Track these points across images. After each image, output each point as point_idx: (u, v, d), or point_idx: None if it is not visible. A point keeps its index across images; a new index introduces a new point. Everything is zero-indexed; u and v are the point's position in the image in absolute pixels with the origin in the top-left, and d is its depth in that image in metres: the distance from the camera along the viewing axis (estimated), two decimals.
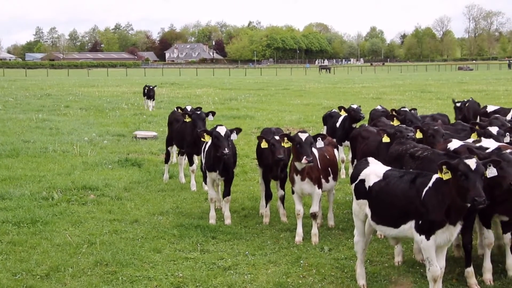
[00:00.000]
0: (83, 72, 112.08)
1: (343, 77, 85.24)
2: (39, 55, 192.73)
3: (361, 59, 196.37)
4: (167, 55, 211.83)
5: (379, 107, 17.31)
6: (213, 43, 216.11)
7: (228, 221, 11.69)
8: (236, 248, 10.18)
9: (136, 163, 17.57)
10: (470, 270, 8.43)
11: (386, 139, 10.52)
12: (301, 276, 8.84)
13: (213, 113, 14.58)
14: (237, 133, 11.72)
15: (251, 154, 17.57)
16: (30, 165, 17.02)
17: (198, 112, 14.02)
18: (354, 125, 14.87)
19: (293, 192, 10.75)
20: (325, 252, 9.98)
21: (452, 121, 16.10)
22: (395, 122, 12.71)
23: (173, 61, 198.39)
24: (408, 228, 7.54)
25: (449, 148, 9.64)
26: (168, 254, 9.80)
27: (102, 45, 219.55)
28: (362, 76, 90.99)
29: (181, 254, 9.83)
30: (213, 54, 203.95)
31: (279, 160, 10.93)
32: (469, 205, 7.00)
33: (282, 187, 11.94)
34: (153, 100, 33.67)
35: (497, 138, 10.02)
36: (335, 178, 11.27)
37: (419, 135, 10.67)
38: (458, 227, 7.45)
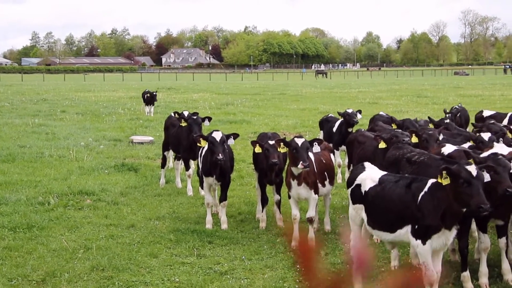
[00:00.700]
0: (79, 77, 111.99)
1: (340, 82, 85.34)
2: (35, 60, 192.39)
3: (357, 64, 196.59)
4: (163, 60, 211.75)
5: (382, 113, 17.17)
6: (210, 48, 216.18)
7: (224, 225, 11.68)
8: (233, 252, 10.18)
9: (132, 168, 17.55)
10: (466, 275, 8.46)
11: (382, 145, 10.55)
12: (298, 280, 8.83)
13: (209, 119, 14.59)
14: (234, 138, 11.75)
15: (247, 159, 17.58)
16: (26, 170, 16.98)
17: (194, 117, 14.03)
18: (350, 130, 14.90)
19: (289, 197, 10.75)
20: (322, 256, 9.98)
21: None
22: (394, 127, 12.80)
23: (169, 66, 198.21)
24: (404, 232, 7.58)
25: (443, 152, 9.68)
26: (164, 259, 9.80)
27: (98, 50, 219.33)
28: (359, 81, 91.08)
29: (177, 259, 9.83)
30: (209, 59, 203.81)
31: (273, 164, 10.95)
32: (473, 211, 7.06)
33: (278, 192, 11.93)
34: (152, 106, 33.52)
35: (488, 144, 10.06)
36: (331, 183, 11.30)
37: (414, 139, 10.71)
38: (454, 231, 7.49)
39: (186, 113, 15.31)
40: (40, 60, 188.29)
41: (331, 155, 11.79)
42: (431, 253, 7.38)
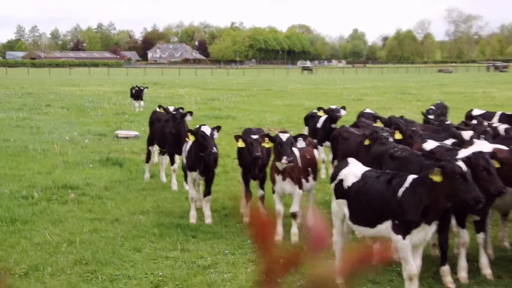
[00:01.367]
0: (64, 71, 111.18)
1: (325, 78, 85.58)
2: (20, 54, 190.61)
3: (343, 60, 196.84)
4: (149, 55, 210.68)
5: (367, 110, 17.20)
6: (196, 44, 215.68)
7: (208, 220, 11.68)
8: (216, 247, 10.19)
9: (117, 162, 17.49)
10: (445, 269, 8.54)
11: (367, 142, 10.62)
12: (281, 274, 8.87)
13: (191, 113, 14.56)
14: (217, 131, 11.77)
15: (232, 154, 17.56)
16: (10, 164, 16.90)
17: (174, 112, 14.04)
18: (334, 126, 14.95)
19: (273, 192, 10.77)
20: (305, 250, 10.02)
21: None
22: (379, 124, 12.87)
23: (155, 61, 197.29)
24: (385, 228, 7.62)
25: (424, 148, 9.77)
26: (148, 253, 9.79)
27: (84, 44, 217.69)
28: (344, 77, 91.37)
29: (161, 253, 9.82)
30: (196, 54, 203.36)
31: (256, 158, 10.97)
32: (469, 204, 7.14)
33: (262, 187, 11.96)
34: (141, 101, 33.30)
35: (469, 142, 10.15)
36: (315, 178, 11.33)
37: (398, 135, 10.79)
38: (434, 226, 7.56)
39: (171, 108, 15.29)
40: (25, 54, 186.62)
41: (315, 150, 11.85)
42: (411, 247, 7.43)
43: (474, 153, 8.13)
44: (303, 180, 10.75)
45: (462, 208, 8.12)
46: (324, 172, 15.90)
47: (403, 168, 8.63)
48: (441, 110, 16.78)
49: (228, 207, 12.91)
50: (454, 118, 18.65)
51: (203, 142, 11.19)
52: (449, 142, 10.62)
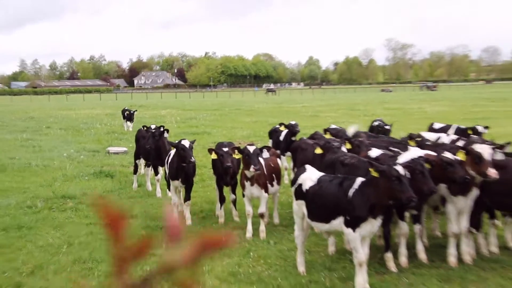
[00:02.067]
0: (62, 97, 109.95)
1: (286, 98, 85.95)
2: (23, 84, 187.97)
3: (301, 83, 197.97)
4: (135, 81, 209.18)
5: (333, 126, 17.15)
6: (175, 71, 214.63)
7: (188, 221, 11.67)
8: None
9: (109, 174, 17.38)
10: (389, 255, 8.67)
11: (318, 150, 10.73)
12: (251, 266, 8.89)
13: (167, 131, 14.63)
14: (192, 143, 11.80)
15: (208, 165, 17.53)
16: (16, 179, 16.67)
17: (153, 131, 14.26)
18: (293, 138, 15.06)
19: (243, 196, 10.83)
20: (271, 245, 10.06)
21: None
22: (328, 136, 13.01)
23: (141, 86, 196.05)
24: (338, 223, 7.70)
25: (369, 155, 9.91)
26: None
27: (78, 74, 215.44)
28: (302, 97, 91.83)
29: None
30: (175, 80, 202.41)
31: (227, 167, 11.03)
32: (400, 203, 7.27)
33: (234, 192, 12.02)
34: (132, 122, 32.86)
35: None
36: (279, 183, 11.41)
37: (348, 146, 10.91)
38: (379, 220, 7.66)
39: (153, 126, 15.29)
40: (28, 84, 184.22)
41: (278, 160, 11.94)
42: (360, 239, 7.52)
43: (412, 159, 8.27)
44: (269, 185, 10.83)
45: (401, 204, 8.26)
46: (287, 178, 15.99)
47: (352, 172, 8.73)
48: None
49: (205, 210, 12.90)
50: (395, 130, 18.86)
51: (182, 153, 11.21)
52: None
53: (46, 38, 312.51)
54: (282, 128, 15.66)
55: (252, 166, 10.00)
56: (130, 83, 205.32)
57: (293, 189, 8.59)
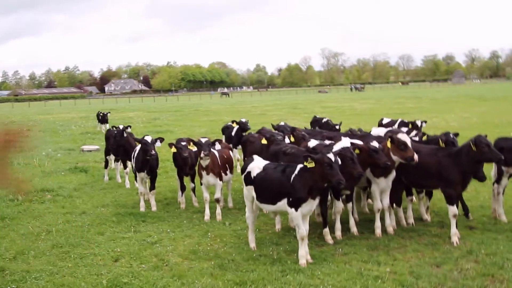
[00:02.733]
0: (41, 104, 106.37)
1: (238, 100, 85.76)
2: (5, 92, 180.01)
3: (250, 86, 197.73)
4: (106, 88, 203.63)
5: (282, 123, 16.92)
6: (141, 78, 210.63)
7: (154, 208, 11.50)
8: (161, 227, 10.02)
9: (83, 169, 16.93)
10: (326, 230, 8.76)
11: (264, 141, 10.72)
12: (209, 244, 8.82)
13: (130, 127, 14.57)
14: (160, 142, 11.59)
15: (171, 159, 17.26)
16: None
17: (115, 132, 14.06)
18: (244, 134, 15.01)
19: (201, 184, 10.73)
20: (227, 226, 10.01)
21: None
22: (273, 130, 13.02)
23: (111, 93, 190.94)
24: (282, 204, 7.71)
25: (308, 146, 9.95)
26: (109, 236, 9.49)
27: (55, 83, 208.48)
28: (251, 99, 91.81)
29: (119, 234, 9.56)
30: (141, 86, 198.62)
31: (185, 158, 10.91)
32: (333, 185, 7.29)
33: (193, 181, 11.89)
34: (106, 124, 31.80)
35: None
36: (231, 172, 11.36)
37: (292, 139, 10.91)
38: (317, 200, 7.72)
39: (121, 126, 14.98)
40: (10, 92, 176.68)
41: (231, 152, 11.87)
42: (301, 217, 7.55)
43: (343, 148, 8.34)
44: (223, 174, 10.76)
45: (332, 186, 8.31)
46: (239, 167, 15.92)
47: (293, 161, 8.73)
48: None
49: (169, 198, 12.74)
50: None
51: (145, 148, 11.01)
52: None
53: (26, 52, 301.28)
54: (234, 124, 15.58)
55: (202, 151, 9.96)
56: (102, 90, 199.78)
57: (243, 176, 8.54)
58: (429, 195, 10.06)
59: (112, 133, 14.88)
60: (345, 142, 8.96)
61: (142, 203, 11.56)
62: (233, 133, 15.69)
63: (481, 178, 8.56)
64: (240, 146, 14.72)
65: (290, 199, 7.55)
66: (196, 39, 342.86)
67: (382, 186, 8.91)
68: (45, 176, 15.93)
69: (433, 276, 6.92)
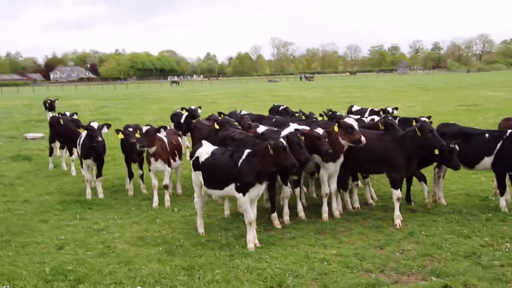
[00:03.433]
0: None
1: (189, 88, 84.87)
2: None
3: (201, 75, 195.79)
4: (51, 76, 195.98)
5: (244, 111, 16.44)
6: (88, 66, 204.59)
7: (101, 195, 11.25)
8: (108, 215, 9.81)
9: (26, 157, 16.35)
10: (274, 215, 8.81)
11: (216, 126, 10.65)
12: (157, 231, 8.72)
13: (76, 113, 14.30)
14: (107, 128, 11.29)
15: (119, 146, 16.89)
16: None
17: (60, 119, 13.78)
18: (193, 121, 14.85)
19: (149, 170, 10.55)
20: (175, 212, 9.92)
21: None
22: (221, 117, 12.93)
23: (57, 80, 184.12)
24: (230, 189, 7.68)
25: (257, 131, 9.96)
26: (53, 224, 9.21)
27: None
28: (202, 87, 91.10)
29: (64, 222, 9.29)
30: (89, 74, 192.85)
31: (132, 144, 10.68)
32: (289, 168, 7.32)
33: (141, 168, 11.69)
34: (54, 111, 30.54)
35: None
36: (180, 158, 11.25)
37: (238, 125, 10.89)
38: (264, 185, 7.73)
39: (68, 114, 14.54)
40: None
41: (179, 139, 11.73)
42: (249, 201, 7.55)
43: (290, 133, 8.37)
44: (171, 160, 10.62)
45: (284, 171, 8.39)
46: (189, 154, 15.75)
47: (241, 146, 8.73)
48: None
49: (116, 185, 12.51)
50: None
51: (91, 134, 10.71)
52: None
53: None
54: (183, 112, 15.40)
55: (138, 143, 9.79)
56: (47, 77, 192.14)
57: (191, 162, 8.45)
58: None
59: (56, 119, 14.42)
60: (293, 127, 9.00)
61: (88, 190, 11.26)
62: (182, 120, 15.50)
63: (455, 166, 8.78)
64: (189, 133, 14.57)
65: (238, 184, 7.53)
66: (145, 26, 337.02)
67: (330, 171, 9.03)
68: None
69: (377, 257, 7.10)
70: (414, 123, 9.63)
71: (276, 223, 8.73)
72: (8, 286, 6.38)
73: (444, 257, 7.00)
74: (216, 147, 8.34)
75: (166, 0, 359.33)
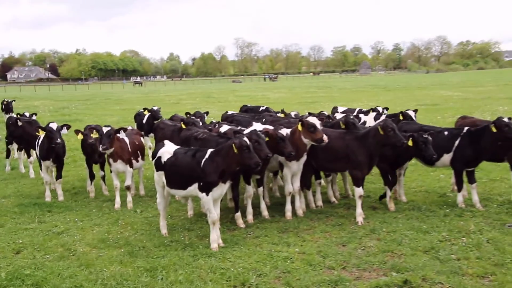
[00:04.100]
0: None
1: (152, 89, 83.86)
2: None
3: (164, 76, 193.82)
4: (8, 76, 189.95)
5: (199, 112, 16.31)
6: (48, 66, 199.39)
7: (61, 198, 10.99)
8: (68, 217, 9.60)
9: None
10: (238, 215, 8.81)
11: (183, 125, 10.55)
12: (120, 232, 8.59)
13: (35, 114, 13.74)
14: (67, 129, 11.01)
15: (79, 147, 16.55)
16: None
17: (17, 120, 13.33)
18: (155, 121, 14.68)
19: (111, 172, 10.37)
20: (138, 213, 9.79)
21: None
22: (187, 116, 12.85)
23: (14, 81, 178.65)
24: (193, 188, 7.63)
25: (220, 131, 9.93)
26: (10, 227, 8.94)
27: None
28: (165, 88, 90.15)
29: (21, 226, 9.02)
30: (48, 74, 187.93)
31: (91, 144, 10.48)
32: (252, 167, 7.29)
33: (102, 169, 11.48)
34: (11, 113, 29.41)
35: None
36: (143, 159, 11.11)
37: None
38: (228, 184, 7.71)
39: (27, 114, 14.17)
40: None
41: (142, 139, 11.56)
42: (212, 201, 7.52)
43: (250, 131, 8.38)
44: (133, 161, 10.47)
45: (247, 170, 8.39)
46: (151, 155, 15.55)
47: (205, 145, 8.69)
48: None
49: (77, 187, 12.25)
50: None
51: (50, 135, 10.43)
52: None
53: None
54: (145, 112, 15.22)
55: (101, 145, 9.60)
56: (3, 78, 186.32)
57: (153, 162, 8.35)
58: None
59: (14, 120, 13.99)
60: (256, 126, 9.01)
61: (47, 193, 10.99)
62: (144, 121, 15.32)
63: (431, 156, 8.90)
64: (152, 134, 14.42)
65: (201, 183, 7.48)
66: (106, 26, 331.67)
67: (294, 170, 9.08)
68: None
69: (339, 254, 7.19)
70: (401, 117, 10.47)
71: (240, 222, 8.73)
72: None
73: (404, 252, 7.16)
74: (178, 147, 8.27)
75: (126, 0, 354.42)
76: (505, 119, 8.93)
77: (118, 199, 10.26)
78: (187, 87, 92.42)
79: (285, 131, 8.84)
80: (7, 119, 15.15)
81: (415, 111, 11.74)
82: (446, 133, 9.55)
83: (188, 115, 13.39)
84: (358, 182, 8.75)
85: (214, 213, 7.52)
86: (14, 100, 30.56)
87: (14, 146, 14.67)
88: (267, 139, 8.23)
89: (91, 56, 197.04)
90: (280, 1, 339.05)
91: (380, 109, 13.40)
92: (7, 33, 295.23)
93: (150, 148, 15.53)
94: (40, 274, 6.67)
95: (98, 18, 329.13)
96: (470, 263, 6.70)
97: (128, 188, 10.32)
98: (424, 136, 8.93)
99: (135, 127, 15.57)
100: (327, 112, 14.09)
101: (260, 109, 15.98)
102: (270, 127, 9.16)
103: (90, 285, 6.29)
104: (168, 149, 8.10)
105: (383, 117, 11.28)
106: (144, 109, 15.37)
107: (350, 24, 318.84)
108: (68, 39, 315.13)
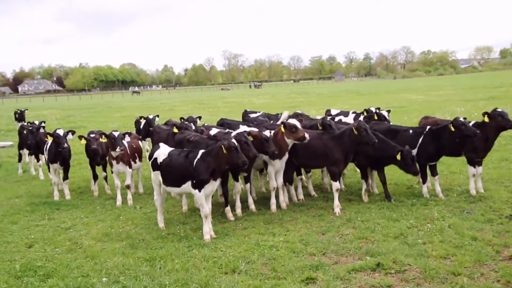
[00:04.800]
0: None
1: (149, 98, 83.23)
2: None
3: (159, 85, 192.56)
4: (20, 88, 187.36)
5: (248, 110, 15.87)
6: (55, 79, 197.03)
7: (68, 197, 10.88)
8: (75, 214, 9.50)
9: None
10: (228, 209, 8.78)
11: (175, 130, 10.49)
12: (121, 227, 8.51)
13: (44, 122, 13.81)
14: (72, 134, 10.92)
15: (84, 151, 16.37)
16: None
17: (30, 128, 13.03)
18: (151, 128, 14.53)
19: (112, 172, 10.28)
20: (138, 209, 9.71)
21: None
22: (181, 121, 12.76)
23: (25, 93, 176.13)
24: (187, 186, 7.60)
25: (210, 134, 9.89)
26: (23, 224, 8.83)
27: None
28: (161, 96, 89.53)
29: (33, 223, 8.92)
30: (55, 86, 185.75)
31: (94, 149, 10.40)
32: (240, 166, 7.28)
33: (104, 170, 11.38)
34: (23, 121, 28.99)
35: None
36: (140, 160, 11.05)
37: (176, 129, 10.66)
38: (218, 181, 7.69)
39: (37, 122, 14.03)
40: None
41: (140, 142, 11.49)
42: (204, 197, 7.49)
43: (237, 133, 8.37)
44: (132, 162, 10.39)
45: (235, 168, 8.36)
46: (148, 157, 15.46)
47: (196, 147, 8.65)
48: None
49: (82, 187, 12.12)
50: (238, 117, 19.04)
51: (57, 140, 10.32)
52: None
53: None
54: (142, 120, 15.22)
55: (118, 146, 9.51)
56: (15, 90, 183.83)
57: (150, 162, 8.30)
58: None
59: (25, 127, 13.86)
60: (243, 129, 8.99)
61: (56, 193, 10.86)
62: (141, 127, 15.28)
63: (415, 172, 8.92)
64: (148, 138, 14.33)
65: (194, 181, 7.45)
66: (107, 41, 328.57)
67: (277, 167, 9.08)
68: None
69: (319, 242, 7.19)
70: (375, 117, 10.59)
71: (230, 215, 8.70)
72: None
73: (376, 239, 7.18)
74: (172, 149, 8.22)
75: (125, 18, 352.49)
76: (462, 119, 9.02)
77: (119, 197, 10.17)
78: (180, 95, 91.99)
79: (268, 133, 8.83)
80: (19, 127, 14.96)
81: (388, 111, 11.75)
82: (411, 131, 9.61)
83: (182, 120, 13.33)
84: (335, 177, 8.76)
85: (206, 208, 7.49)
86: (27, 110, 30.18)
87: (25, 151, 14.48)
88: (251, 138, 8.22)
89: (93, 69, 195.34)
90: (263, 16, 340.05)
91: (373, 109, 13.14)
92: (18, 50, 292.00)
93: (147, 151, 15.46)
94: (51, 265, 6.61)
95: (99, 34, 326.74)
96: (434, 246, 6.74)
97: (128, 187, 10.23)
98: (412, 154, 8.86)
99: (135, 132, 15.52)
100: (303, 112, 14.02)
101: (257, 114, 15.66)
102: (255, 129, 9.15)
103: (95, 275, 6.23)
104: (164, 151, 8.06)
105: (361, 118, 11.31)
106: (141, 117, 15.35)
107: (325, 36, 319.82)
108: (73, 54, 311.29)
